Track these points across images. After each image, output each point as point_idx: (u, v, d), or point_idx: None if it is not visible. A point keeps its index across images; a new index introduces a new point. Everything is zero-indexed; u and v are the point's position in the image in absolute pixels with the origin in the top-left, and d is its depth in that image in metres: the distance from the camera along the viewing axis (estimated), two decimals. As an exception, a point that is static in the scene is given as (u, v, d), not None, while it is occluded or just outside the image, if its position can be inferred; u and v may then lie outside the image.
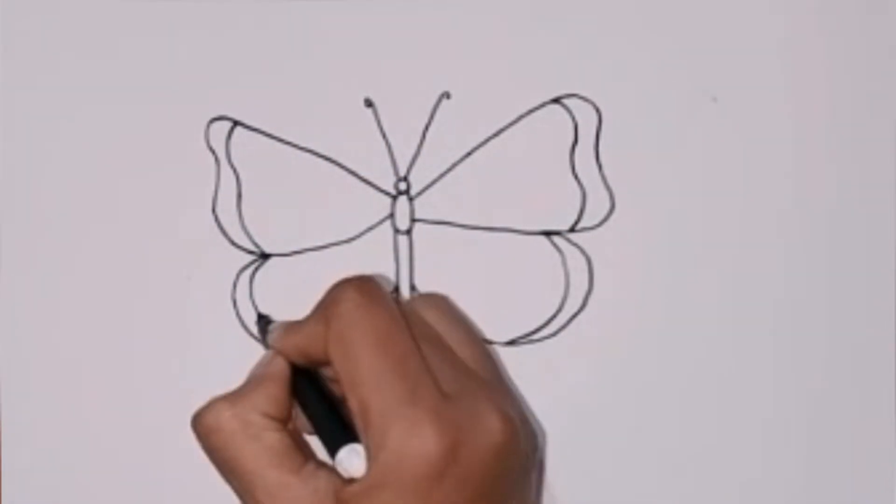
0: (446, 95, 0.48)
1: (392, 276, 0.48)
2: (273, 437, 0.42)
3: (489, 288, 0.48)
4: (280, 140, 0.48)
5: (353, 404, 0.40)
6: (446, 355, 0.42)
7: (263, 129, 0.48)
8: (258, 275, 0.48)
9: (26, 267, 0.48)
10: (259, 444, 0.41)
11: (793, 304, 0.48)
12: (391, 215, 0.48)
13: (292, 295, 0.48)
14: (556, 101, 0.48)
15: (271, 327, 0.45)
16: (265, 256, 0.48)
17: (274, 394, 0.43)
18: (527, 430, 0.41)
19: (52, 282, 0.48)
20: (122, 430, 0.48)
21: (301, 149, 0.48)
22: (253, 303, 0.48)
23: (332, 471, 0.41)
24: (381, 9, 0.48)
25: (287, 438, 0.42)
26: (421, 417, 0.39)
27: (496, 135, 0.48)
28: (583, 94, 0.48)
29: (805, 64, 0.48)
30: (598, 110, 0.48)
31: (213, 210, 0.48)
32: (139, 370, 0.48)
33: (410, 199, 0.48)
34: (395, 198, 0.48)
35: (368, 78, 0.48)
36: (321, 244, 0.48)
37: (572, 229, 0.48)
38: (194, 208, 0.48)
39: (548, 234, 0.48)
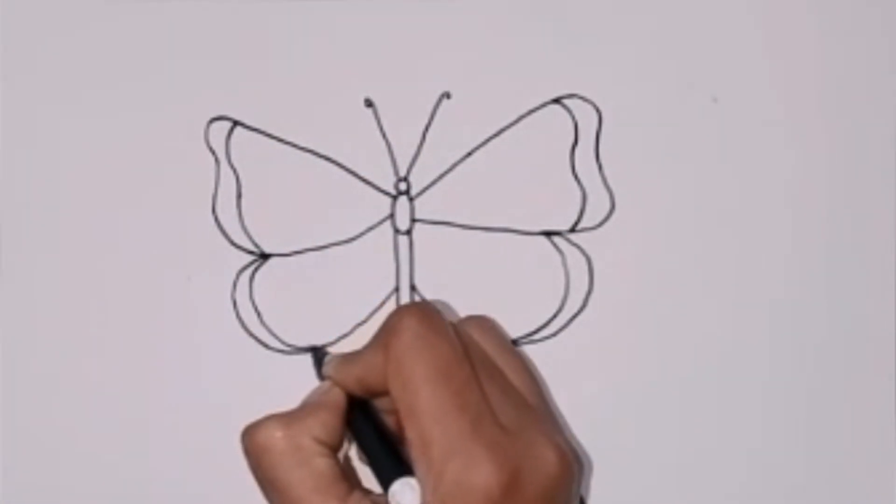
0: (447, 95, 0.48)
1: (392, 277, 0.48)
2: (323, 464, 0.42)
3: (489, 288, 0.48)
4: (280, 140, 0.48)
5: (412, 435, 0.40)
6: (502, 384, 0.42)
7: (263, 129, 0.48)
8: (258, 275, 0.48)
9: (26, 267, 0.48)
10: (308, 469, 0.41)
11: (792, 303, 0.48)
12: (391, 215, 0.48)
13: (292, 295, 0.48)
14: (557, 101, 0.48)
15: (327, 359, 0.45)
16: (265, 256, 0.48)
17: (328, 421, 0.43)
18: (576, 461, 0.42)
19: (52, 282, 0.48)
20: (121, 430, 0.48)
21: (301, 149, 0.48)
22: (253, 303, 0.48)
23: (378, 501, 0.41)
24: (381, 9, 0.48)
25: (336, 466, 0.42)
26: (482, 452, 0.39)
27: (496, 135, 0.48)
28: (583, 94, 0.48)
29: (805, 64, 0.48)
30: (598, 110, 0.48)
31: (213, 210, 0.48)
32: (139, 370, 0.48)
33: (410, 200, 0.48)
34: (395, 198, 0.48)
35: (369, 78, 0.48)
36: (321, 244, 0.48)
37: (573, 229, 0.48)
38: (194, 208, 0.48)
39: (548, 234, 0.48)
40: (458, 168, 0.48)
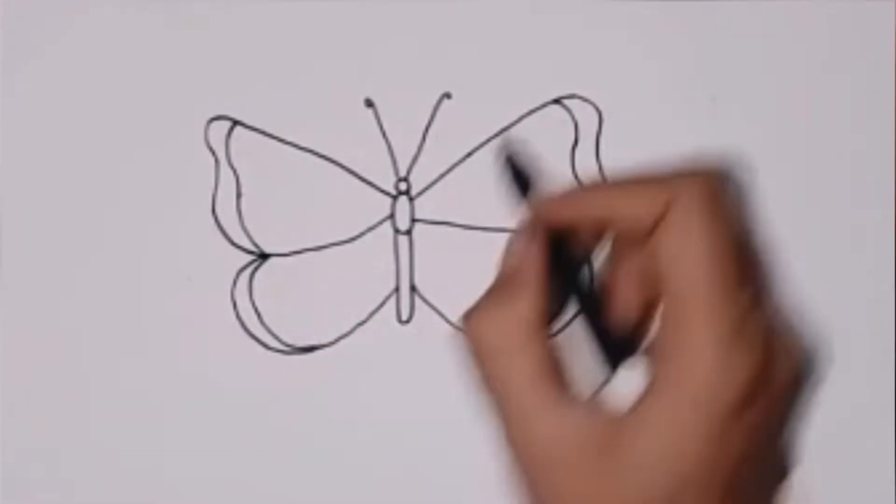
0: (447, 95, 0.48)
1: (392, 277, 0.48)
2: (538, 356, 0.38)
3: (490, 288, 0.47)
4: (280, 140, 0.48)
5: (673, 308, 0.37)
6: (752, 270, 0.40)
7: (263, 129, 0.48)
8: (258, 275, 0.48)
9: (26, 267, 0.48)
10: (526, 366, 0.38)
11: (792, 303, 0.48)
12: (391, 215, 0.48)
13: (292, 295, 0.48)
14: (557, 101, 0.48)
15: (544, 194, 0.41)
16: (265, 256, 0.48)
17: (540, 296, 0.39)
18: None
19: (52, 282, 0.48)
20: (121, 429, 0.47)
21: (301, 149, 0.48)
22: (252, 303, 0.48)
23: (593, 404, 0.38)
24: (381, 9, 0.48)
25: (549, 355, 0.38)
26: (750, 343, 0.37)
27: (497, 135, 0.48)
28: (583, 94, 0.48)
29: (804, 64, 0.48)
30: (598, 110, 0.48)
31: (213, 210, 0.48)
32: (139, 370, 0.47)
33: (411, 199, 0.48)
34: (395, 198, 0.48)
35: (369, 78, 0.48)
36: (321, 244, 0.48)
37: (573, 230, 0.48)
38: (194, 208, 0.48)
39: (548, 234, 0.48)
40: (459, 168, 0.48)
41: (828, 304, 0.48)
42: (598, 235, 0.41)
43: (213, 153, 0.48)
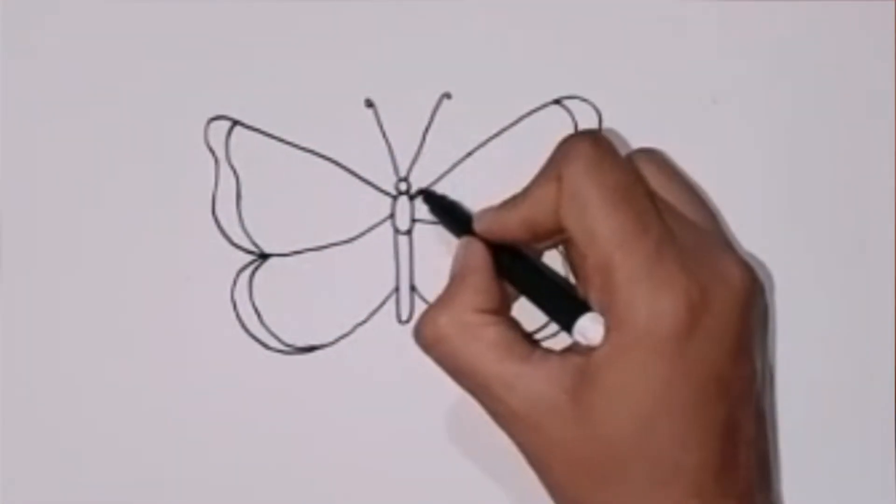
0: (447, 96, 0.48)
1: (392, 277, 0.48)
2: (493, 332, 0.41)
3: (490, 288, 0.47)
4: (280, 140, 0.48)
5: (592, 264, 0.39)
6: (675, 213, 0.41)
7: (263, 129, 0.48)
8: (258, 275, 0.48)
9: (25, 267, 0.47)
10: (482, 342, 0.41)
11: (792, 304, 0.48)
12: (391, 215, 0.48)
13: (292, 295, 0.48)
14: (557, 101, 0.48)
15: (477, 214, 0.44)
16: (265, 256, 0.48)
17: (483, 286, 0.42)
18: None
19: (52, 282, 0.47)
20: (121, 430, 0.47)
21: (301, 149, 0.48)
22: (252, 303, 0.48)
23: (562, 352, 0.40)
24: (381, 9, 0.48)
25: (509, 330, 0.41)
26: (667, 274, 0.38)
27: (497, 135, 0.48)
28: (583, 95, 0.48)
29: (804, 65, 0.48)
30: (598, 111, 0.48)
31: (213, 210, 0.48)
32: (138, 370, 0.47)
33: (411, 200, 0.48)
34: (395, 198, 0.48)
35: (369, 78, 0.48)
36: (321, 244, 0.48)
37: (573, 230, 0.47)
38: (194, 208, 0.48)
39: (548, 234, 0.48)
40: (459, 168, 0.48)
41: (828, 304, 0.48)
42: (534, 239, 0.43)
43: (213, 153, 0.48)
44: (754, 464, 0.41)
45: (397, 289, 0.48)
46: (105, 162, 0.48)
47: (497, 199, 0.46)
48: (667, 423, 0.39)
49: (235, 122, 0.48)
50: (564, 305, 0.41)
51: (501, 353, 0.41)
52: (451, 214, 0.46)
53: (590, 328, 0.39)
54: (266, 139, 0.48)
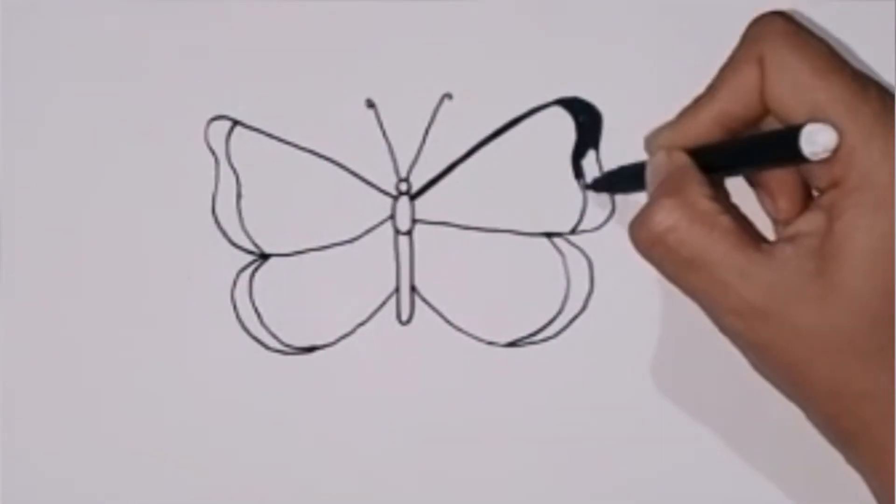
0: (448, 96, 0.48)
1: (392, 277, 0.48)
2: (727, 220, 0.40)
3: (490, 289, 0.48)
4: (280, 140, 0.48)
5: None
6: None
7: (263, 129, 0.48)
8: (258, 275, 0.48)
9: (26, 267, 0.47)
10: (717, 230, 0.40)
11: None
12: (392, 216, 0.48)
13: (292, 295, 0.48)
14: (558, 102, 0.48)
15: (656, 130, 0.43)
16: (265, 256, 0.48)
17: (702, 178, 0.41)
18: None
19: (52, 282, 0.47)
20: (121, 429, 0.47)
21: (301, 149, 0.48)
22: (252, 303, 0.48)
23: (791, 239, 0.40)
24: (382, 9, 0.48)
25: (740, 218, 0.41)
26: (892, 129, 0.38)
27: (497, 136, 0.48)
28: (583, 95, 0.48)
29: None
30: (598, 111, 0.48)
31: (213, 210, 0.48)
32: (138, 370, 0.47)
33: (411, 200, 0.48)
34: (395, 198, 0.48)
35: (370, 78, 0.48)
36: (321, 244, 0.48)
37: (573, 231, 0.48)
38: (194, 208, 0.48)
39: (549, 235, 0.48)
40: (459, 168, 0.48)
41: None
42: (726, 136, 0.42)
43: (213, 153, 0.48)
44: None
45: (398, 289, 0.48)
46: (105, 162, 0.48)
47: (497, 199, 0.46)
48: None
49: (236, 122, 0.48)
50: (779, 137, 0.39)
51: (736, 241, 0.39)
52: (626, 176, 0.45)
53: (818, 132, 0.38)
54: (266, 139, 0.48)
